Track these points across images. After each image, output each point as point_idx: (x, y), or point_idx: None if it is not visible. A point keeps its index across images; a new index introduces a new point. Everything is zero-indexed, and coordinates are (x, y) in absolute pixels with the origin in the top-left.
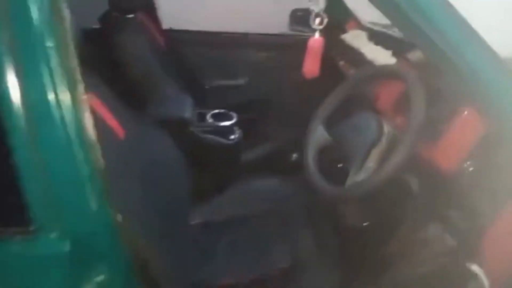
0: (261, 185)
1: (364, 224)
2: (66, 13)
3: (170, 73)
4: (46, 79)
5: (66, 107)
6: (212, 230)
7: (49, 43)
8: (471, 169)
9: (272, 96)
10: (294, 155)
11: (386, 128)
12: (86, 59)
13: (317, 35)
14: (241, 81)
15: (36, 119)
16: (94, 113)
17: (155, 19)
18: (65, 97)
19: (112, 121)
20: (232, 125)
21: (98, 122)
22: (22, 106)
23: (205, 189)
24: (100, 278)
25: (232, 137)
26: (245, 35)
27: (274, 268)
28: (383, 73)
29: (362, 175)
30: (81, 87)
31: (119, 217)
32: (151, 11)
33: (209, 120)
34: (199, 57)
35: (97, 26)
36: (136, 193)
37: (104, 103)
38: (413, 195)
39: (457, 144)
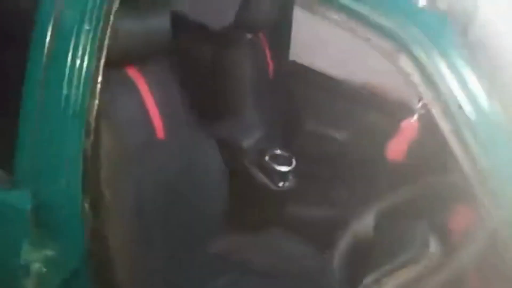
0: (290, 245)
1: None
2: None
3: (262, 103)
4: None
5: (77, 85)
6: (218, 265)
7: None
8: None
9: (359, 161)
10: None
11: (434, 249)
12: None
13: (415, 117)
14: (341, 135)
15: (48, 83)
16: (141, 104)
17: (276, 46)
18: (83, 77)
19: (155, 116)
20: (287, 171)
21: (140, 114)
22: (42, 68)
23: (235, 224)
24: (50, 253)
25: (282, 184)
26: (363, 86)
27: None
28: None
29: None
30: (97, 84)
31: (86, 206)
32: (276, 38)
33: (267, 158)
34: (306, 98)
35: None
36: (159, 195)
37: (157, 100)
38: None
39: None
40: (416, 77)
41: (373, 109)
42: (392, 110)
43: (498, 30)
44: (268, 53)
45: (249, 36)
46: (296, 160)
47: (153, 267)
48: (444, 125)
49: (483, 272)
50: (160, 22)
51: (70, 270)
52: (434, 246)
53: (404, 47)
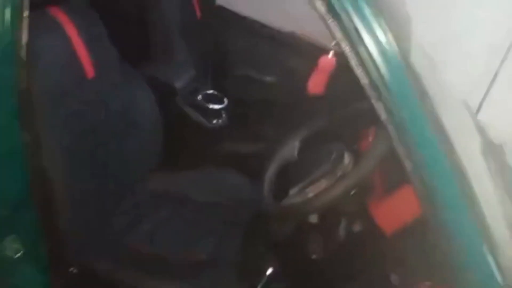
0: (225, 177)
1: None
2: None
3: (190, 43)
4: None
5: (2, 22)
6: (158, 199)
7: None
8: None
9: (284, 102)
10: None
11: (348, 162)
12: None
13: (330, 54)
14: (269, 79)
15: None
16: (65, 43)
17: None
18: (3, 13)
19: (84, 58)
20: (220, 109)
21: (66, 54)
22: None
23: (171, 160)
24: None
25: (215, 121)
26: (291, 34)
27: (191, 255)
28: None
29: (296, 198)
30: (26, 7)
31: (26, 137)
32: None
33: (199, 97)
34: (235, 43)
35: None
36: (85, 133)
37: (84, 39)
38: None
39: (400, 212)
40: (325, 14)
41: (296, 53)
42: (314, 53)
43: None
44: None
45: None
46: (228, 100)
47: (89, 199)
48: (352, 61)
49: (383, 172)
50: None
51: (14, 202)
52: (347, 160)
53: None
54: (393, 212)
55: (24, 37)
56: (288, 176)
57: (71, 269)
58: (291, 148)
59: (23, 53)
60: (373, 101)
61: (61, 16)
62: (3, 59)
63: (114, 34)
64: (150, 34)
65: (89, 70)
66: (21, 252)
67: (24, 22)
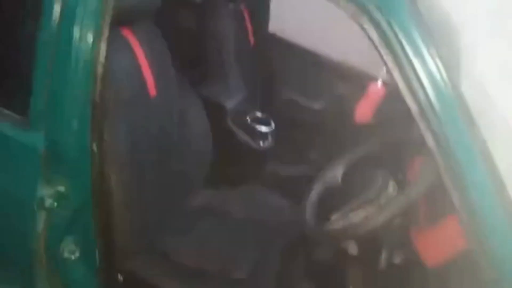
0: (267, 198)
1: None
2: None
3: (243, 67)
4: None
5: (85, 40)
6: (202, 214)
7: None
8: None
9: (330, 128)
10: None
11: (393, 190)
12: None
13: (379, 83)
14: (315, 105)
15: (61, 34)
16: (134, 62)
17: (257, 18)
18: (89, 33)
19: (148, 77)
20: (267, 133)
21: (133, 70)
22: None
23: (217, 177)
24: (61, 189)
25: (261, 143)
26: (339, 62)
27: (230, 272)
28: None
29: (338, 224)
30: (105, 29)
31: (94, 146)
32: (256, 9)
33: (248, 119)
34: (285, 69)
35: None
36: (145, 146)
37: (148, 59)
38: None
39: (445, 244)
40: (377, 41)
41: (344, 81)
42: (361, 82)
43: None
44: (248, 24)
45: (231, 6)
46: (275, 123)
47: (143, 209)
48: (402, 89)
49: (428, 202)
50: None
51: (77, 205)
52: (392, 188)
53: (366, 11)
54: (437, 243)
55: (102, 56)
56: (331, 201)
57: (119, 276)
58: (335, 173)
59: (99, 70)
60: (422, 130)
61: (130, 37)
62: (83, 75)
63: (175, 53)
64: (207, 57)
65: (152, 88)
66: (77, 253)
67: (103, 42)
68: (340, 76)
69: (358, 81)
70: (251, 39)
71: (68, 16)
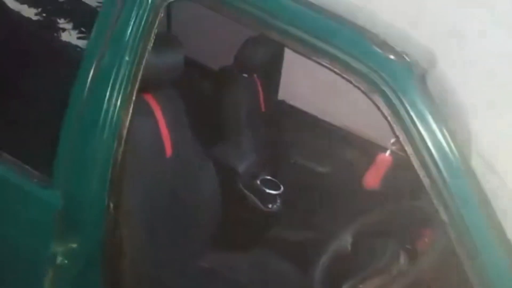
0: (273, 264)
1: None
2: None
3: (255, 132)
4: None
5: (115, 104)
6: (208, 278)
7: (127, 58)
8: None
9: (337, 193)
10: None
11: (404, 261)
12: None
13: (388, 152)
14: (323, 169)
15: (91, 100)
16: (154, 125)
17: (268, 87)
18: (118, 99)
19: (166, 139)
20: (276, 194)
21: (154, 134)
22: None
23: (225, 240)
24: (73, 246)
25: (270, 206)
26: (346, 130)
27: None
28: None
29: None
30: (133, 94)
31: (111, 208)
32: (268, 78)
33: (258, 182)
34: (293, 134)
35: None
36: (158, 205)
37: (167, 122)
38: None
39: None
40: (389, 117)
41: (350, 146)
42: (367, 147)
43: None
44: (260, 92)
45: (245, 76)
46: (283, 187)
47: (152, 267)
48: (414, 161)
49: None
50: (176, 59)
51: (86, 261)
52: (403, 259)
53: (378, 89)
54: None
55: (127, 119)
56: (340, 269)
57: None
58: (344, 241)
59: (124, 132)
60: (434, 201)
61: (152, 102)
62: (108, 136)
63: (192, 117)
64: (222, 121)
65: (168, 149)
66: None
67: (130, 107)
68: (347, 142)
69: (365, 148)
70: (262, 105)
71: (101, 80)
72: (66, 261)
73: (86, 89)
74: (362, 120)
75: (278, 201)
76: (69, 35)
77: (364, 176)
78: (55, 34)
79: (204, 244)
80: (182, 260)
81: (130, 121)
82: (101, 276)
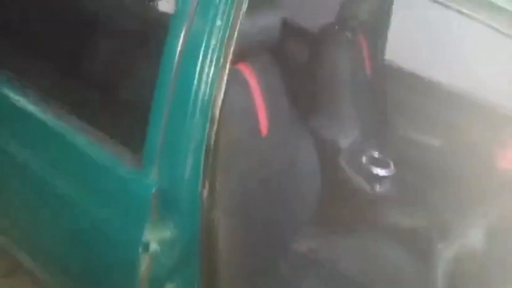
0: (384, 251)
1: None
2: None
3: (358, 101)
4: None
5: (206, 79)
6: (306, 264)
7: (219, 22)
8: None
9: (457, 172)
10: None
11: None
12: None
13: None
14: (436, 143)
15: (180, 75)
16: (251, 100)
17: (374, 47)
18: (210, 72)
19: (261, 115)
20: (385, 176)
21: (250, 110)
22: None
23: (325, 224)
24: (167, 234)
25: (378, 188)
26: (465, 94)
27: None
28: None
29: None
30: (226, 65)
31: (205, 192)
32: (374, 37)
33: (363, 160)
34: (402, 102)
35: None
36: (255, 189)
37: (264, 96)
38: None
39: None
40: None
41: (475, 117)
42: (498, 119)
43: None
44: (366, 53)
45: (348, 35)
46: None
47: (250, 257)
48: None
49: None
50: (272, 22)
51: (182, 253)
52: None
53: None
54: None
55: (221, 95)
56: (469, 270)
57: None
58: (474, 236)
59: (217, 109)
60: None
61: (247, 73)
62: (200, 114)
63: (287, 87)
64: (321, 90)
65: (264, 127)
66: None
67: (224, 80)
68: (472, 112)
69: (497, 120)
70: (368, 69)
71: (190, 51)
72: (159, 249)
73: (175, 61)
74: (494, 86)
75: (387, 183)
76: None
77: (497, 153)
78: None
79: (303, 228)
80: (279, 244)
81: (224, 96)
82: (199, 268)
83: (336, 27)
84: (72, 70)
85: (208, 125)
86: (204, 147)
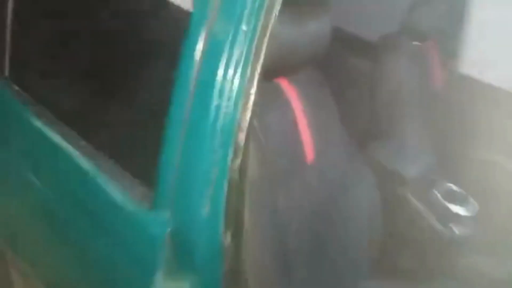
0: None
1: None
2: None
3: (428, 121)
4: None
5: (229, 96)
6: None
7: (244, 27)
8: None
9: None
10: None
11: None
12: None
13: None
14: None
15: (197, 93)
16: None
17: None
18: (236, 86)
19: (306, 137)
20: (466, 216)
21: (291, 134)
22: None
23: (388, 270)
24: (184, 285)
25: (455, 229)
26: None
27: None
28: None
29: None
30: (255, 80)
31: (227, 237)
32: (446, 45)
33: (436, 192)
34: (480, 119)
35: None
36: (304, 224)
37: (309, 118)
38: None
39: None
40: None
41: None
42: None
43: None
44: (437, 64)
45: (416, 44)
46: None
47: None
48: None
49: None
50: (321, 29)
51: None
52: None
53: None
54: None
55: (248, 115)
56: None
57: None
58: None
59: (242, 134)
60: None
61: (287, 89)
62: (221, 137)
63: (340, 106)
64: (381, 109)
65: (310, 153)
66: None
67: (251, 97)
68: None
69: None
70: (440, 84)
71: (209, 61)
72: None
73: (192, 73)
74: None
75: (470, 224)
76: None
77: None
78: None
79: (359, 273)
80: None
81: (253, 117)
82: None
83: (401, 35)
84: (86, 94)
85: (231, 153)
86: (225, 182)
